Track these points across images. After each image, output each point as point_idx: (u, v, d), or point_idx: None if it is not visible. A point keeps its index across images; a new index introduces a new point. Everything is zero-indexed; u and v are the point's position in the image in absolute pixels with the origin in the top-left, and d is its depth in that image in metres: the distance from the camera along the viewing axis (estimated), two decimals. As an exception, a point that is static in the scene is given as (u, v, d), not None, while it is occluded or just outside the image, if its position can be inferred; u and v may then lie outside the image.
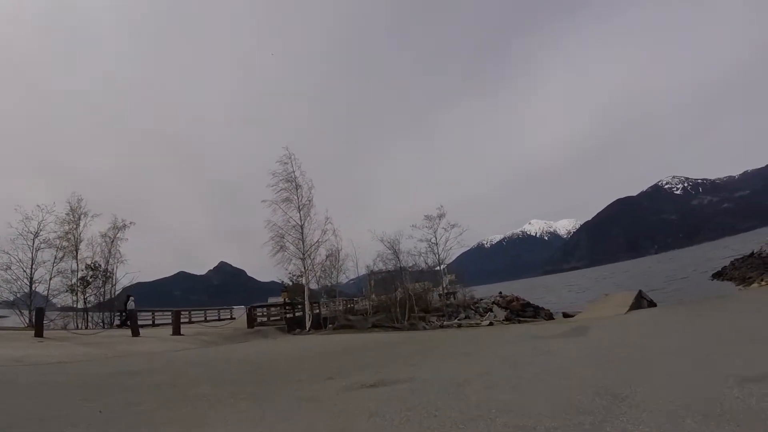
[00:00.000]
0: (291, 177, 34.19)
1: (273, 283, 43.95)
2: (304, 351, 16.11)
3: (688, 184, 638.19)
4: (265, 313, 34.29)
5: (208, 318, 38.86)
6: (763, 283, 24.22)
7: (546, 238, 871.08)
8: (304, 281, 34.27)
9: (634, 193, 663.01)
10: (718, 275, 48.82)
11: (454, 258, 43.49)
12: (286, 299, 36.89)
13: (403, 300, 32.43)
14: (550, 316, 39.12)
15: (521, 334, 15.04)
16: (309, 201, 34.34)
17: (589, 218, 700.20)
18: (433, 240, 35.17)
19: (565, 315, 23.30)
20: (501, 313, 38.55)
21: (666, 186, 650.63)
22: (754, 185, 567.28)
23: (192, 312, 37.41)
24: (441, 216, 35.24)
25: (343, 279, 41.26)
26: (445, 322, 31.15)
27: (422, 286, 37.77)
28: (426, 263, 36.02)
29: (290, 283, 42.67)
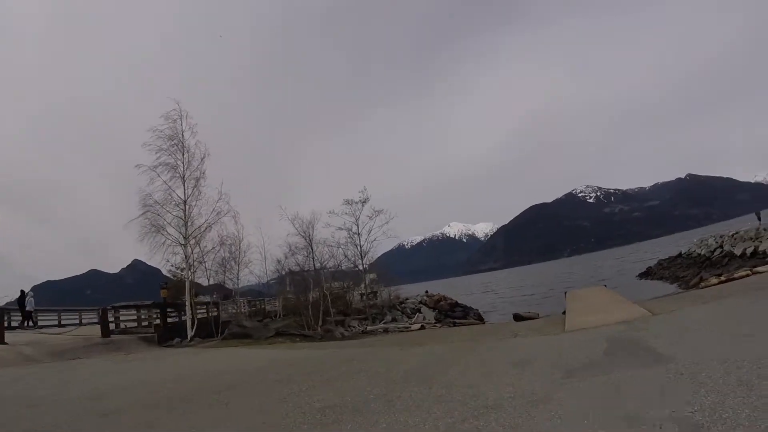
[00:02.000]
0: (177, 138, 26.28)
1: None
2: (111, 394, 8.96)
3: (601, 194, 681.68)
4: (137, 317, 25.98)
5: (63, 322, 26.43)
6: (722, 278, 21.29)
7: (465, 240, 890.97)
8: (186, 275, 25.92)
9: (549, 200, 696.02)
10: (645, 275, 49.48)
11: (375, 258, 38.21)
12: (167, 299, 28.25)
13: (317, 301, 26.58)
14: (480, 318, 35.39)
15: (512, 357, 8.67)
16: (201, 174, 26.43)
17: (506, 222, 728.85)
18: (354, 229, 29.77)
19: (518, 317, 18.91)
20: (430, 314, 34.15)
21: (580, 194, 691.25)
22: (663, 196, 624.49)
23: (39, 312, 26.89)
24: (364, 201, 29.81)
25: (246, 275, 33.77)
26: (368, 327, 26.02)
27: (341, 285, 32.13)
28: (345, 255, 30.46)
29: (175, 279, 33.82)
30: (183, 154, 25.88)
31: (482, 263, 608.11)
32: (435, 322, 28.09)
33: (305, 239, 28.25)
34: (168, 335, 23.54)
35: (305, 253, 28.47)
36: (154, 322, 24.81)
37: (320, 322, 25.03)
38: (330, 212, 29.76)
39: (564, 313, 17.85)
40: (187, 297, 24.60)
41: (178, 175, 25.62)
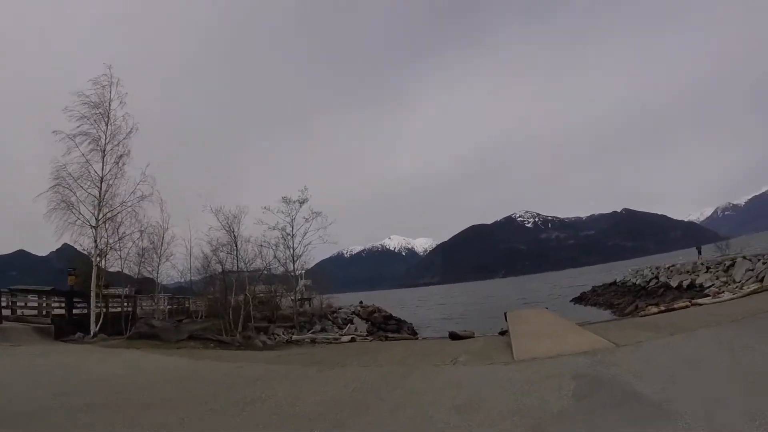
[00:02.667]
0: (104, 107, 23.19)
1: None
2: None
3: (539, 220, 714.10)
4: (38, 305, 23.05)
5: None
6: (662, 307, 21.04)
7: (404, 254, 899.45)
8: (94, 261, 23.03)
9: (489, 222, 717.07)
10: (579, 300, 49.85)
11: (313, 264, 36.17)
12: (74, 287, 24.98)
13: (240, 305, 24.19)
14: (413, 332, 34.09)
15: (454, 396, 6.56)
16: (126, 151, 23.66)
17: (446, 239, 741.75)
18: (288, 230, 27.70)
19: (454, 336, 17.42)
20: (362, 325, 32.55)
21: (519, 219, 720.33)
22: (599, 227, 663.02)
23: None
24: (302, 201, 27.81)
25: (168, 269, 30.81)
26: (294, 336, 24.01)
27: (269, 288, 29.86)
28: (276, 257, 28.30)
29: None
30: (107, 126, 23.15)
31: (420, 277, 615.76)
32: (366, 335, 26.39)
33: (229, 235, 25.76)
34: (71, 328, 21.05)
35: (229, 250, 25.93)
36: (53, 312, 22.02)
37: (240, 328, 22.62)
38: (264, 208, 27.51)
39: (502, 333, 16.63)
40: (92, 287, 22.01)
41: (98, 148, 22.91)
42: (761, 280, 23.59)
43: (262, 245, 27.45)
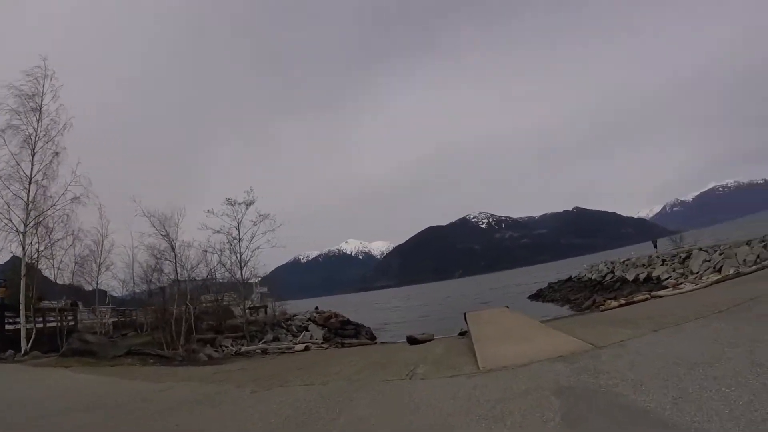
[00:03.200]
0: (36, 99, 21.48)
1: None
2: None
3: (493, 220, 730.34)
4: None
5: None
6: (622, 300, 20.91)
7: (361, 258, 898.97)
8: (22, 271, 21.13)
9: (444, 224, 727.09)
10: (536, 297, 49.89)
11: (269, 271, 34.54)
12: (4, 299, 22.87)
13: (181, 316, 22.11)
14: (372, 337, 33.29)
15: (412, 425, 5.48)
16: (59, 148, 21.89)
17: (402, 242, 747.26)
18: (234, 234, 25.96)
19: (413, 340, 16.29)
20: (318, 332, 31.15)
21: (473, 220, 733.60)
22: (551, 226, 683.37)
23: None
24: (249, 203, 26.09)
25: (108, 279, 28.62)
26: (243, 347, 22.44)
27: (216, 297, 27.98)
28: (221, 263, 26.34)
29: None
30: (39, 120, 21.42)
31: (377, 280, 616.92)
32: (322, 342, 25.06)
33: (166, 240, 23.71)
34: (3, 345, 19.76)
35: (167, 256, 23.93)
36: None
37: (183, 341, 20.83)
38: (208, 211, 25.64)
39: (461, 334, 15.60)
40: (21, 300, 20.14)
41: (28, 145, 21.13)
42: (719, 270, 23.69)
43: (206, 251, 25.64)
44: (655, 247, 43.72)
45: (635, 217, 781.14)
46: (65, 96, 21.99)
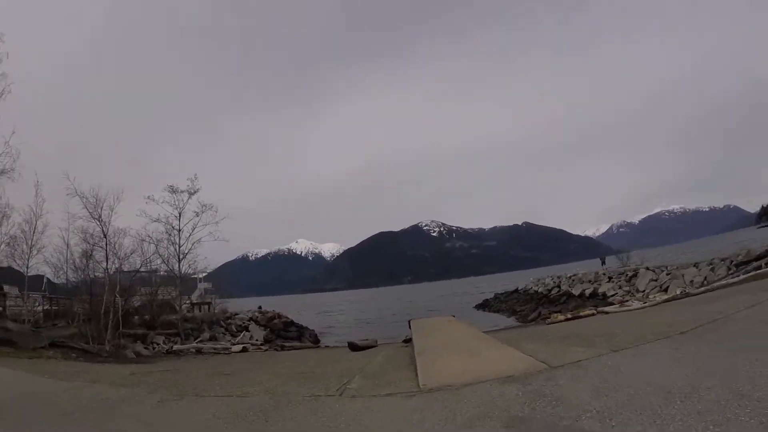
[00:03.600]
0: None
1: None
2: None
3: (444, 229, 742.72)
4: None
5: None
6: (568, 315, 20.95)
7: (311, 258, 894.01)
8: None
9: (396, 229, 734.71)
10: (483, 307, 49.99)
11: (217, 266, 33.06)
12: None
13: (110, 309, 20.29)
14: (315, 340, 32.69)
15: None
16: None
17: (353, 245, 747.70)
18: (174, 224, 24.52)
19: (354, 347, 15.51)
20: (259, 333, 29.97)
21: (425, 228, 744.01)
22: (500, 238, 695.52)
23: None
24: (192, 192, 24.73)
25: (40, 263, 26.38)
26: (176, 346, 21.19)
27: (152, 290, 26.32)
28: (158, 253, 24.94)
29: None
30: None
31: (326, 282, 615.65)
32: (261, 344, 23.94)
33: (98, 224, 21.76)
34: None
35: (97, 242, 22.04)
36: None
37: (109, 336, 19.24)
38: (148, 198, 24.08)
39: (406, 341, 14.75)
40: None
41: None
42: (665, 290, 24.02)
43: (143, 240, 24.05)
44: (604, 264, 44.27)
45: (582, 234, 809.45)
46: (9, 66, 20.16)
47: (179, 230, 24.21)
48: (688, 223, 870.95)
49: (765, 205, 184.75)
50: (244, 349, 20.59)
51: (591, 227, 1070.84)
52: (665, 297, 19.24)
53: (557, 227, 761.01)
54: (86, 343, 18.17)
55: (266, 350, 21.24)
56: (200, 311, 34.68)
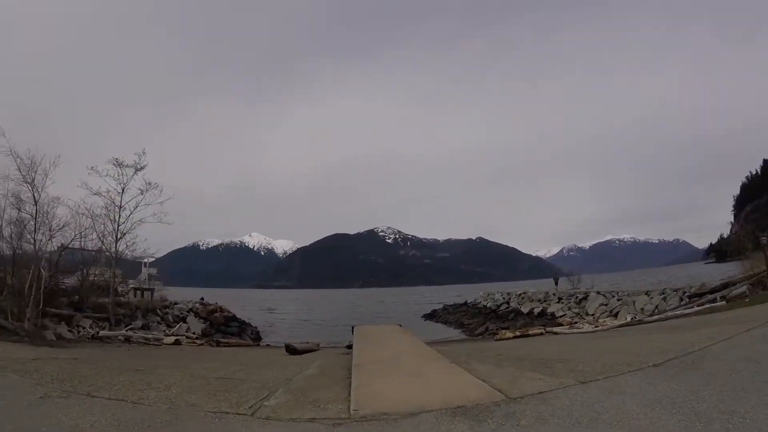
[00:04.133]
0: None
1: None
2: None
3: (399, 237, 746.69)
4: None
5: None
6: (517, 332, 20.79)
7: (263, 253, 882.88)
8: None
9: (351, 232, 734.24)
10: (430, 317, 49.38)
11: (166, 252, 31.14)
12: None
13: (33, 284, 18.17)
14: (257, 337, 31.61)
15: None
16: None
17: (307, 244, 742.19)
18: (117, 200, 22.91)
19: (291, 350, 14.59)
20: (197, 325, 28.62)
21: (380, 233, 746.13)
22: (454, 251, 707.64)
23: None
24: (138, 168, 23.23)
25: None
26: (103, 332, 19.77)
27: (82, 269, 24.43)
28: (94, 229, 23.06)
29: None
30: None
31: (277, 279, 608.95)
32: (197, 337, 22.69)
33: (29, 190, 19.76)
34: None
35: (27, 209, 20.21)
36: None
37: (30, 314, 17.58)
38: (91, 168, 22.41)
39: (349, 347, 13.81)
40: None
41: None
42: (615, 315, 24.10)
43: (79, 212, 22.27)
44: (557, 284, 44.22)
45: (533, 255, 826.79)
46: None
47: (120, 207, 22.70)
48: (637, 253, 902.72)
49: (713, 243, 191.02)
50: (177, 342, 19.43)
51: (543, 248, 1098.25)
52: (618, 323, 19.15)
53: (510, 245, 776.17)
54: (5, 319, 16.72)
55: (200, 345, 20.10)
56: (143, 297, 33.01)
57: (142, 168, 23.16)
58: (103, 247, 23.60)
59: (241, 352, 18.10)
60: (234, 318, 35.44)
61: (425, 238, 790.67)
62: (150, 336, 20.45)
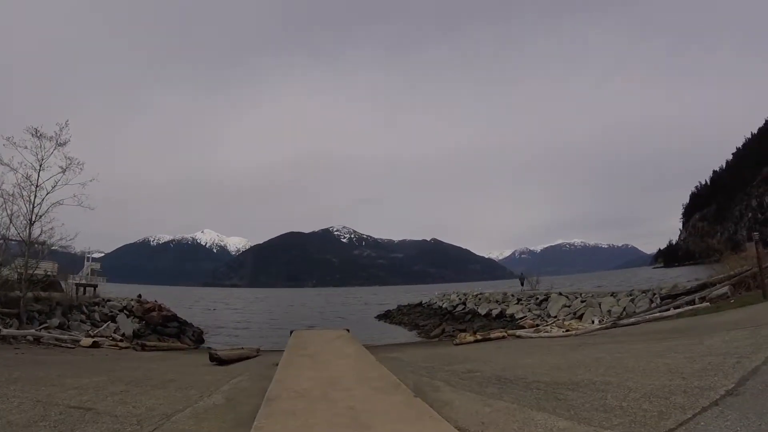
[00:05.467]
0: None
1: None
2: None
3: (354, 237, 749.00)
4: None
5: None
6: (478, 335, 19.56)
7: (215, 251, 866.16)
8: None
9: (306, 231, 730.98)
10: (384, 317, 48.51)
11: (114, 248, 28.35)
12: None
13: None
14: (199, 339, 29.32)
15: None
16: None
17: (260, 242, 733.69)
18: (33, 177, 20.14)
19: (216, 359, 12.21)
20: (129, 326, 25.69)
21: (335, 233, 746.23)
22: (408, 252, 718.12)
23: None
24: (61, 143, 20.48)
25: None
26: (6, 331, 17.04)
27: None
28: (7, 211, 20.16)
29: None
30: None
31: (228, 278, 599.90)
32: (122, 339, 20.14)
33: None
34: None
35: None
36: None
37: None
38: (6, 139, 19.51)
39: (285, 359, 11.75)
40: None
41: None
42: (580, 317, 22.92)
43: None
44: (523, 284, 42.10)
45: (486, 256, 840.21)
46: None
47: (36, 186, 19.87)
48: (586, 257, 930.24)
49: (661, 248, 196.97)
50: (95, 344, 17.02)
51: (495, 250, 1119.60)
52: (595, 327, 17.56)
53: (464, 247, 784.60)
54: None
55: (124, 348, 17.76)
56: (85, 293, 30.81)
57: (64, 143, 20.46)
58: (11, 231, 20.58)
59: (160, 358, 15.61)
60: (174, 318, 32.66)
61: (380, 239, 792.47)
62: (66, 337, 17.87)
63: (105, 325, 23.39)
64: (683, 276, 32.62)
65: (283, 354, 11.13)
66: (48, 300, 22.52)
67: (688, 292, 19.08)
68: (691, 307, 16.70)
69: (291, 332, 16.53)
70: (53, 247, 22.74)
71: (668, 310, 17.52)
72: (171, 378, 9.40)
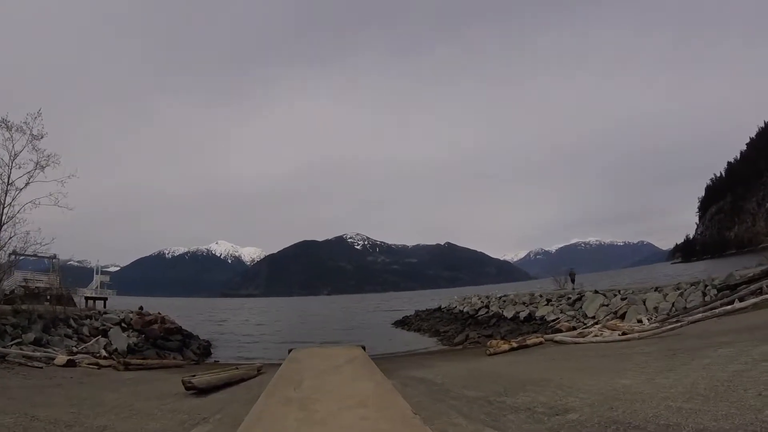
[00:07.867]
0: None
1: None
2: None
3: (368, 243, 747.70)
4: None
5: None
6: (513, 342, 17.28)
7: (230, 261, 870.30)
8: None
9: (320, 239, 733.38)
10: (401, 324, 46.77)
11: (129, 262, 26.67)
12: None
13: None
14: (206, 352, 27.77)
15: None
16: None
17: (275, 251, 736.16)
18: (4, 174, 18.22)
19: (191, 388, 9.55)
20: (123, 340, 23.22)
21: (349, 240, 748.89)
22: (422, 256, 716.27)
23: None
24: (36, 135, 18.54)
25: None
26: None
27: None
28: None
29: None
30: None
31: (243, 288, 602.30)
32: (108, 356, 17.88)
33: None
34: None
35: None
36: None
37: None
38: None
39: (256, 410, 9.29)
40: None
41: None
42: (622, 317, 20.30)
43: None
44: (573, 281, 36.92)
45: (501, 258, 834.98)
46: None
47: (8, 183, 17.85)
48: (602, 255, 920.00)
49: (678, 243, 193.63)
50: (71, 363, 14.70)
51: (509, 252, 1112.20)
52: (653, 327, 14.65)
53: (478, 249, 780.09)
54: None
55: (105, 366, 15.42)
56: (94, 305, 30.22)
57: (40, 137, 18.38)
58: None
59: (136, 381, 13.04)
60: (178, 330, 30.30)
61: (394, 244, 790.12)
62: (40, 354, 15.56)
63: (93, 340, 21.02)
64: (707, 270, 30.15)
65: (260, 397, 7.03)
66: (27, 313, 20.19)
67: (751, 281, 16.54)
68: (762, 297, 14.43)
69: (289, 351, 13.83)
70: (26, 253, 20.68)
71: (733, 302, 15.07)
72: (104, 424, 6.65)
